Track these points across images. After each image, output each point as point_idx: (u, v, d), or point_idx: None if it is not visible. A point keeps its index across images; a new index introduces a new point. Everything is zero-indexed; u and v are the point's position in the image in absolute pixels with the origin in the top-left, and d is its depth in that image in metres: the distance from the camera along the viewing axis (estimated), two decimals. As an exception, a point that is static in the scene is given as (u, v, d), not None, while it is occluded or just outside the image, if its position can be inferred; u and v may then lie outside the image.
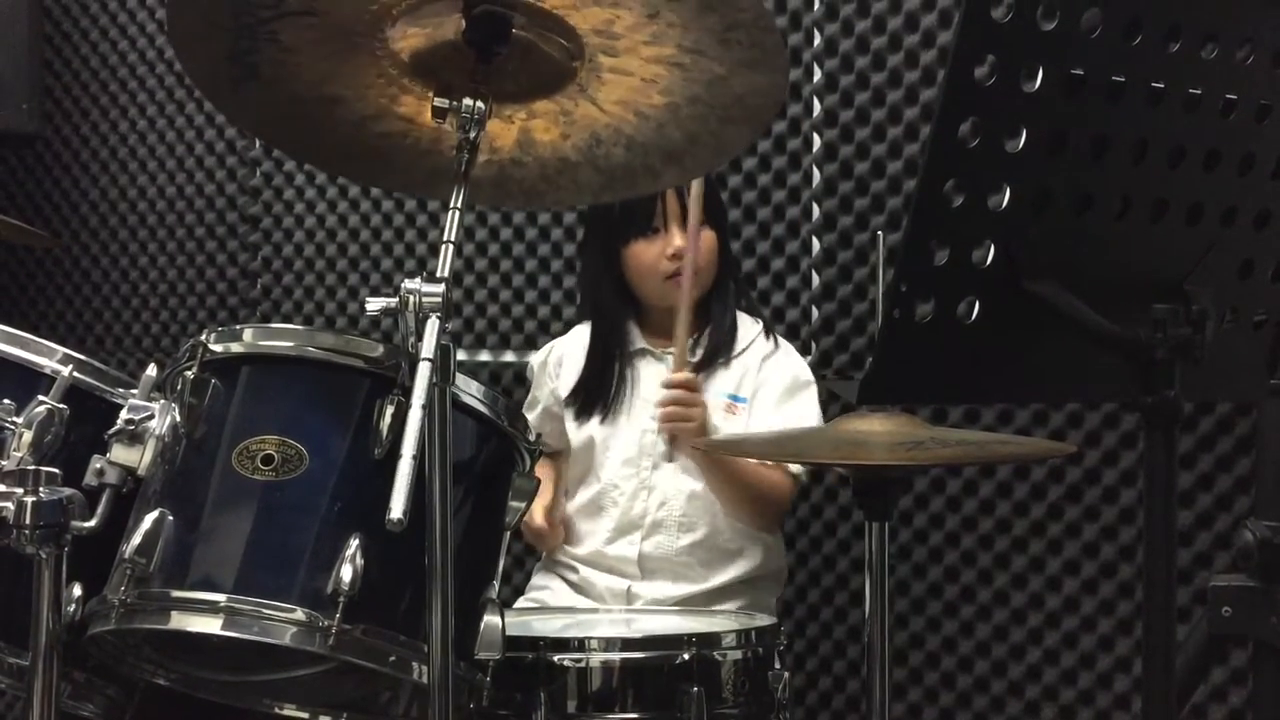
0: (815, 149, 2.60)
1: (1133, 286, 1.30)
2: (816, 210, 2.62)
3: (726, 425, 2.15)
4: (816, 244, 2.62)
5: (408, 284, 1.18)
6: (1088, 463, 2.41)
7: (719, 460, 2.10)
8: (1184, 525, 2.33)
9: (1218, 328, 1.36)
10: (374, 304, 1.23)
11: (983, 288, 1.22)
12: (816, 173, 2.61)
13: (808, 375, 2.23)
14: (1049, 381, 1.42)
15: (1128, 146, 1.18)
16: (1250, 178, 1.27)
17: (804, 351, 2.56)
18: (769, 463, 2.14)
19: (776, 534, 2.29)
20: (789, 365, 2.23)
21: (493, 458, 1.52)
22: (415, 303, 1.17)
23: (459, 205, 1.23)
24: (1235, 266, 1.37)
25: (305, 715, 1.61)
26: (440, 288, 1.17)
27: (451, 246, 1.20)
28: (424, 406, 1.09)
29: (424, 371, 1.12)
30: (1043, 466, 2.43)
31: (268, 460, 1.37)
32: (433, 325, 1.15)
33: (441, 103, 1.37)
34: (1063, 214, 1.22)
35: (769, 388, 2.20)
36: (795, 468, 2.18)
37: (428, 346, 1.14)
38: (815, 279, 2.62)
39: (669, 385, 2.07)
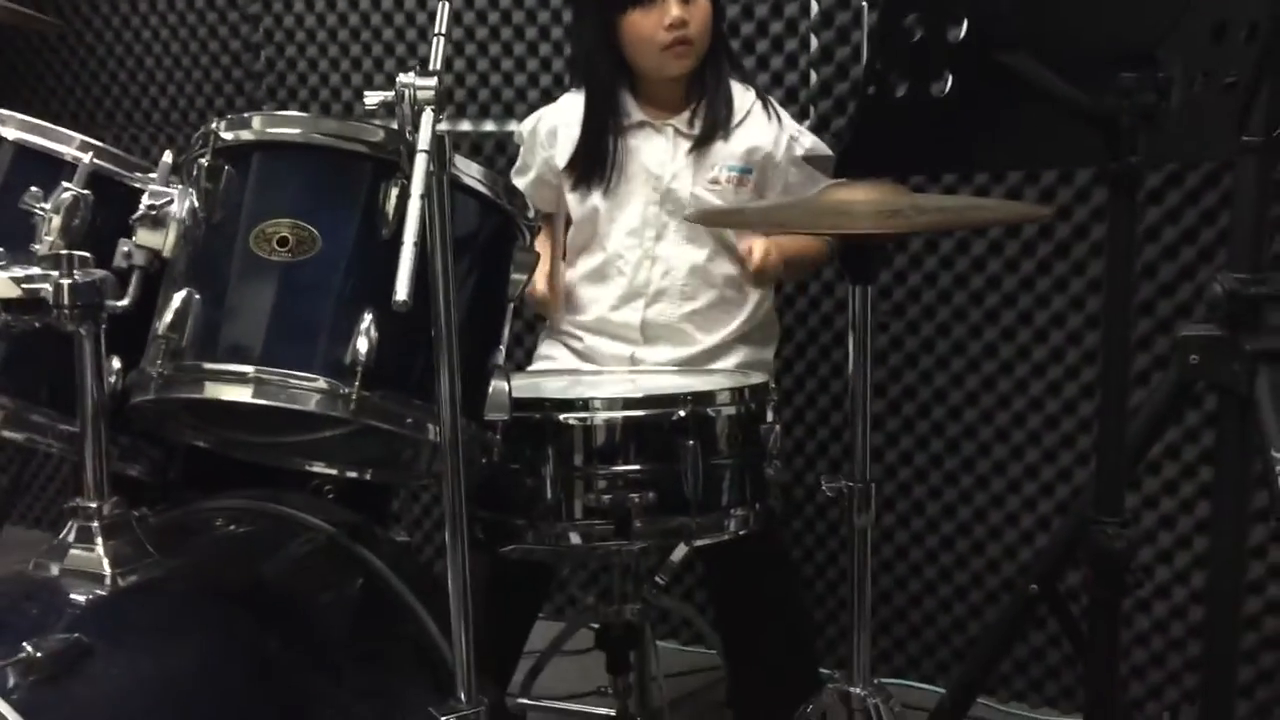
0: (814, -93, 2.57)
1: (1104, 55, 1.34)
2: (815, -29, 2.60)
3: (737, 199, 2.21)
4: (815, 6, 2.61)
5: (402, 78, 1.22)
6: (1077, 218, 2.47)
7: (792, 260, 2.25)
8: (1168, 277, 2.41)
9: (1188, 92, 1.41)
10: (371, 98, 1.27)
11: (956, 62, 1.27)
12: (815, -68, 2.58)
13: (825, 149, 2.31)
14: (1020, 150, 1.48)
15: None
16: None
17: (802, 115, 2.60)
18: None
19: None
20: (803, 147, 2.28)
21: (493, 234, 1.57)
22: (410, 96, 1.22)
23: (449, -4, 1.26)
24: (1208, 29, 1.41)
25: (334, 471, 1.73)
26: (433, 81, 1.21)
27: (442, 39, 1.24)
28: (423, 196, 1.15)
29: (421, 162, 1.17)
30: (1033, 224, 2.49)
31: (283, 242, 1.43)
32: (428, 117, 1.20)
33: None
34: (1036, -17, 1.26)
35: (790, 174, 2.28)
36: None
37: (423, 139, 1.19)
38: (814, 42, 2.62)
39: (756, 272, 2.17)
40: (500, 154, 2.97)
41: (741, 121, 2.25)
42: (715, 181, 2.22)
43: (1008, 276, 2.54)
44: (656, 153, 2.24)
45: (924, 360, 2.64)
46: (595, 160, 2.25)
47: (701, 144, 2.23)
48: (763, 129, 2.26)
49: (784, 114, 2.32)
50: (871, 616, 1.75)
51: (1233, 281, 1.75)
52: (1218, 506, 1.87)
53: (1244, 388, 1.72)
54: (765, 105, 2.29)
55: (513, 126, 2.91)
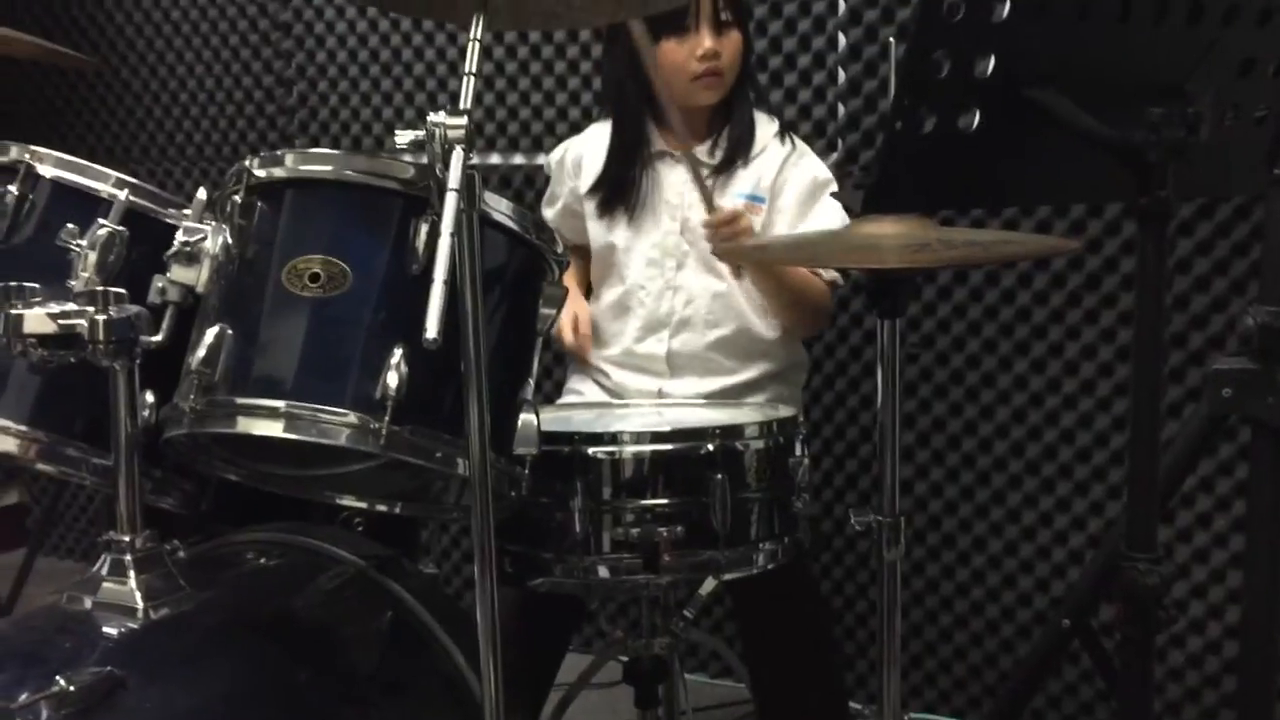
0: (842, -59, 2.58)
1: (1133, 90, 1.34)
2: (843, 5, 2.61)
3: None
4: (843, 40, 2.62)
5: (433, 117, 1.23)
6: (1107, 251, 2.46)
7: (768, 269, 2.16)
8: (1200, 309, 2.40)
9: (1217, 126, 1.40)
10: (402, 137, 1.28)
11: (984, 98, 1.27)
12: (843, -34, 2.60)
13: (827, 175, 2.27)
14: (1049, 185, 1.47)
15: (1129, -52, 1.21)
16: (1252, -24, 1.29)
17: (830, 148, 2.61)
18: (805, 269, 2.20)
19: (814, 333, 2.35)
20: (808, 167, 2.26)
21: (522, 269, 1.58)
22: (441, 135, 1.23)
23: (479, 36, 1.27)
24: (1236, 64, 1.40)
25: (364, 505, 1.73)
26: (463, 120, 1.22)
27: (473, 79, 1.25)
28: (453, 234, 1.16)
29: (451, 201, 1.18)
30: (1063, 257, 2.49)
31: (314, 278, 1.44)
32: (458, 156, 1.21)
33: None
34: (1063, 20, 1.26)
35: (790, 190, 2.23)
36: (830, 274, 2.24)
37: (454, 178, 1.20)
38: (841, 75, 2.63)
39: (713, 224, 2.08)
40: (529, 187, 3.00)
41: (761, 152, 2.25)
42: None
43: (1037, 309, 2.54)
44: (675, 182, 2.25)
45: (954, 392, 2.63)
46: (618, 188, 2.25)
47: (718, 173, 2.23)
48: (776, 155, 2.26)
49: (804, 146, 2.31)
50: (902, 650, 1.75)
51: (1265, 314, 1.74)
52: (1252, 540, 1.85)
53: (1278, 421, 1.71)
54: (783, 135, 2.29)
55: (541, 160, 2.94)
